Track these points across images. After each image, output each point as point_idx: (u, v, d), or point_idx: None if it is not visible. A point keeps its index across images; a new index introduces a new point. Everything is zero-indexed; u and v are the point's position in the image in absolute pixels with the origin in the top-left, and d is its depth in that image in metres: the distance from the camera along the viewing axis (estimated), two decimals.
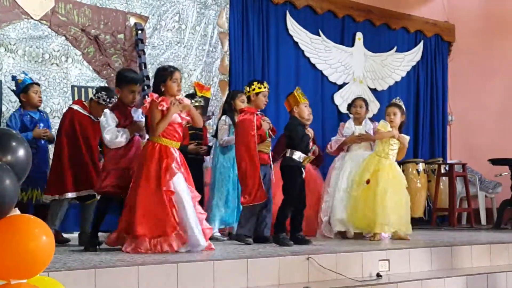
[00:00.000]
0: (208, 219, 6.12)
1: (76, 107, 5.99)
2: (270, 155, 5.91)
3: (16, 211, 2.55)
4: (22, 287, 2.47)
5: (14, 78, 6.35)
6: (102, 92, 5.91)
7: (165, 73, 5.11)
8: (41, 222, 2.55)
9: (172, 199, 4.84)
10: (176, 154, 5.02)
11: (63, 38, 7.18)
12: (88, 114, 5.93)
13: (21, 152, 2.55)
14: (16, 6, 6.85)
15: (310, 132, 5.85)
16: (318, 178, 7.26)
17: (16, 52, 6.84)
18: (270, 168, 5.88)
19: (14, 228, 2.46)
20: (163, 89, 5.04)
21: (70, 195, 5.78)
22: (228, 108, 6.58)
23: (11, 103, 6.71)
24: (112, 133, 5.16)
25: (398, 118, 6.34)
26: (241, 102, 6.36)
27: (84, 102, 6.10)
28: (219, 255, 4.54)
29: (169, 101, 4.99)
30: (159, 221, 4.80)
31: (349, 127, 6.80)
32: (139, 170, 4.96)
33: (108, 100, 5.83)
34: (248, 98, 5.91)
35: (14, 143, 2.54)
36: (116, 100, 5.53)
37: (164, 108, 4.94)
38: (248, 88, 5.90)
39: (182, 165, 5.03)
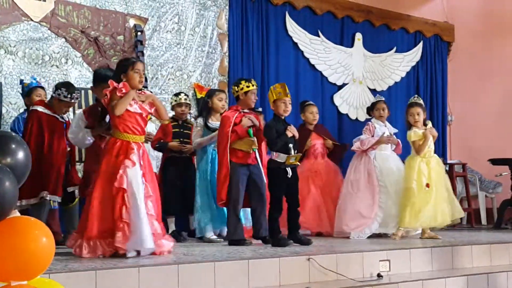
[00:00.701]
0: (198, 224, 6.11)
1: (40, 108, 5.70)
2: (258, 154, 5.65)
3: (16, 213, 2.56)
4: None
5: (21, 81, 6.31)
6: (62, 89, 5.67)
7: (126, 63, 4.83)
8: (41, 224, 2.56)
9: (124, 196, 4.50)
10: (137, 148, 4.70)
11: (63, 40, 7.18)
12: (52, 114, 5.69)
13: (20, 155, 2.55)
14: (16, 8, 6.85)
15: (291, 130, 5.59)
16: (339, 175, 7.22)
17: (16, 54, 6.84)
18: (257, 168, 5.64)
19: (14, 230, 2.47)
20: (124, 80, 4.74)
21: (44, 194, 5.48)
22: (204, 107, 6.35)
23: (11, 105, 6.71)
24: (74, 134, 5.09)
25: (421, 117, 6.54)
26: (218, 101, 6.23)
27: (45, 102, 5.82)
28: (219, 256, 4.54)
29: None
30: (109, 222, 4.53)
31: (380, 128, 6.87)
32: (98, 168, 4.72)
33: (69, 96, 5.63)
34: (237, 97, 5.75)
35: (13, 146, 2.55)
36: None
37: (123, 93, 4.65)
38: (236, 87, 5.72)
39: (143, 160, 4.70)
